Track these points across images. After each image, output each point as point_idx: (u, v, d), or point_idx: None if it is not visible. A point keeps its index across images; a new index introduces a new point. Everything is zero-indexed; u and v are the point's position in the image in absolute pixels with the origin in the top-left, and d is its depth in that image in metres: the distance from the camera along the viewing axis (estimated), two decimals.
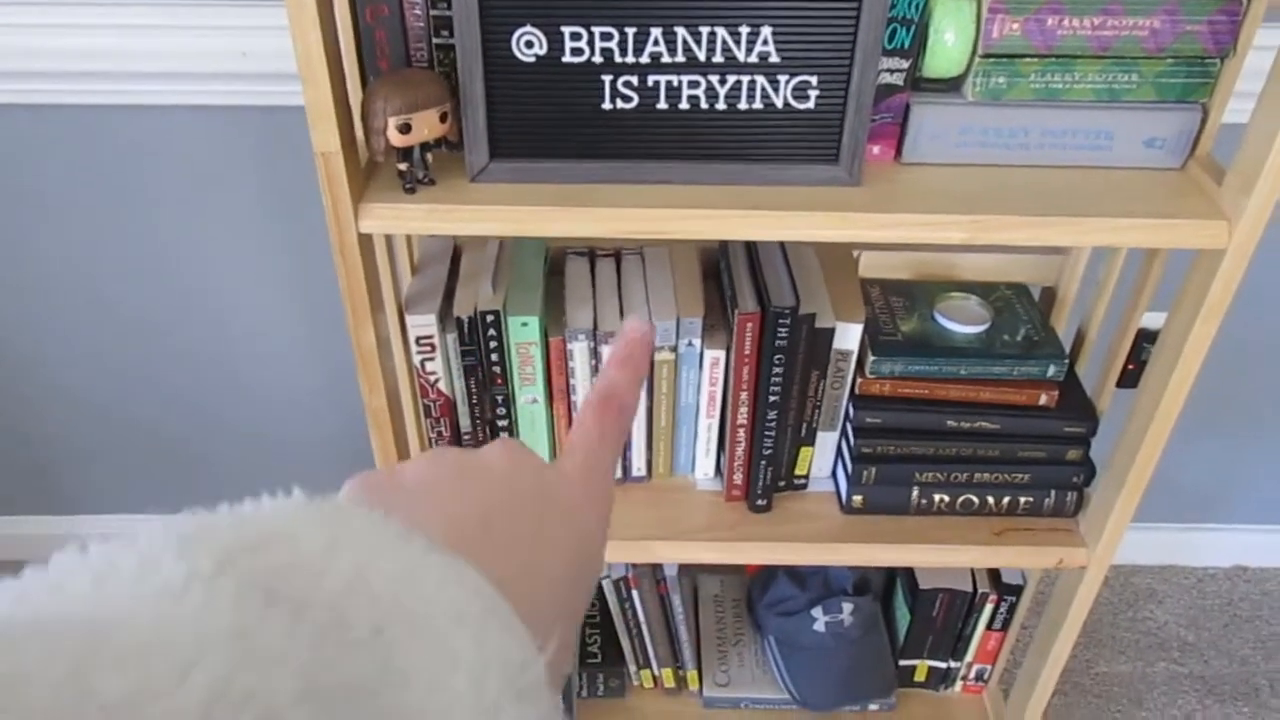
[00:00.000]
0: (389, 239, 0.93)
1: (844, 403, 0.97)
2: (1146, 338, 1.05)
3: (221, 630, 0.19)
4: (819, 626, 1.21)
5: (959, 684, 1.30)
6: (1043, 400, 0.95)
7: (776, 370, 0.90)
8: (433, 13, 0.74)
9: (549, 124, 0.74)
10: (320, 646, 0.20)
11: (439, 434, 1.00)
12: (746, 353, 0.90)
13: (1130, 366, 1.02)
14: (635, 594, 1.18)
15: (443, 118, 0.74)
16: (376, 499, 0.28)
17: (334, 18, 0.69)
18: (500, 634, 0.24)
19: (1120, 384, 1.02)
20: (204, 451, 1.54)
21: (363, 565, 0.23)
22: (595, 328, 0.92)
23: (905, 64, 0.75)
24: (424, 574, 0.24)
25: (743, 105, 0.73)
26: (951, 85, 0.78)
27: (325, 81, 0.68)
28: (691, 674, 1.29)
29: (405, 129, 0.72)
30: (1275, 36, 0.70)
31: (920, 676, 1.29)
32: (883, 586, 1.30)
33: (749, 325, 0.88)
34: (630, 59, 0.71)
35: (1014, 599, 1.19)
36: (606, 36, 0.71)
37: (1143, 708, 1.51)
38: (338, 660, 0.20)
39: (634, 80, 0.72)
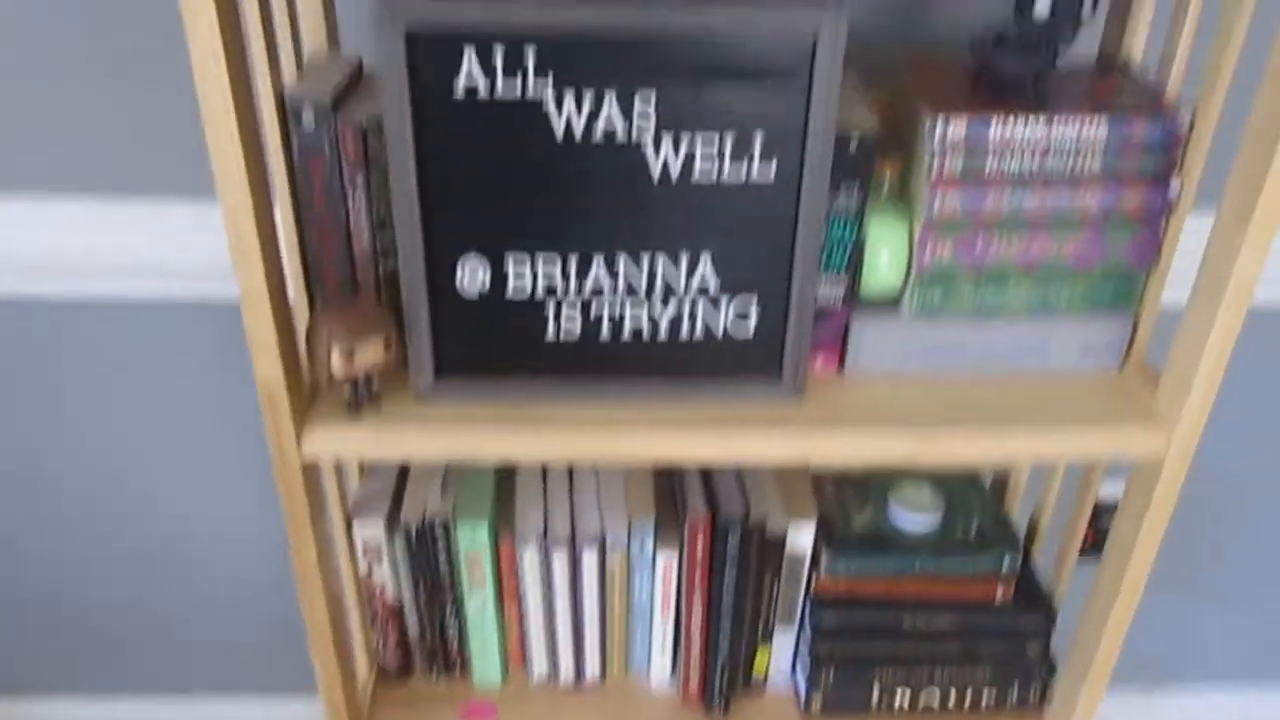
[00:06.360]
0: None
1: (800, 598, 0.96)
2: (1103, 508, 1.05)
3: None
4: None
5: None
6: (998, 595, 0.95)
7: (729, 575, 0.89)
8: (379, 243, 0.76)
9: (493, 353, 0.75)
10: None
11: (384, 638, 0.97)
12: (698, 558, 0.89)
13: (1089, 538, 1.02)
14: None
15: (387, 345, 0.74)
16: None
17: (278, 251, 0.70)
18: None
19: (1083, 553, 1.01)
20: (152, 637, 1.48)
21: None
22: (545, 533, 0.91)
23: (843, 283, 0.77)
24: None
25: (684, 335, 0.74)
26: (890, 301, 0.80)
27: (267, 315, 0.69)
28: None
29: (349, 356, 0.72)
30: (1205, 224, 0.72)
31: None
32: None
33: (699, 533, 0.87)
34: (573, 291, 0.72)
35: None
36: (550, 261, 0.72)
37: None
38: None
39: (576, 314, 0.73)
